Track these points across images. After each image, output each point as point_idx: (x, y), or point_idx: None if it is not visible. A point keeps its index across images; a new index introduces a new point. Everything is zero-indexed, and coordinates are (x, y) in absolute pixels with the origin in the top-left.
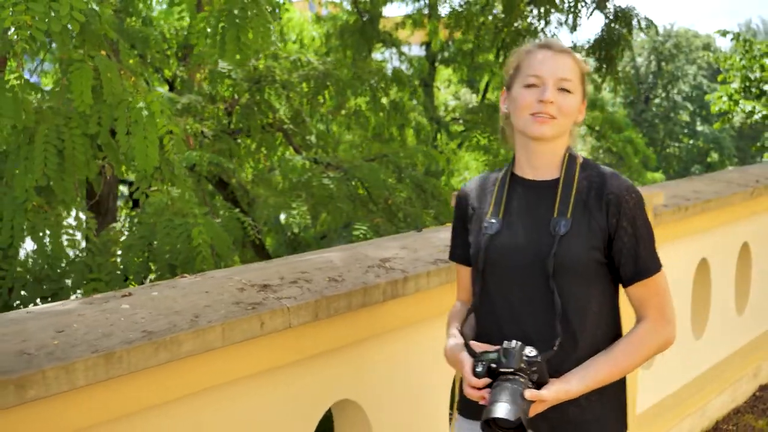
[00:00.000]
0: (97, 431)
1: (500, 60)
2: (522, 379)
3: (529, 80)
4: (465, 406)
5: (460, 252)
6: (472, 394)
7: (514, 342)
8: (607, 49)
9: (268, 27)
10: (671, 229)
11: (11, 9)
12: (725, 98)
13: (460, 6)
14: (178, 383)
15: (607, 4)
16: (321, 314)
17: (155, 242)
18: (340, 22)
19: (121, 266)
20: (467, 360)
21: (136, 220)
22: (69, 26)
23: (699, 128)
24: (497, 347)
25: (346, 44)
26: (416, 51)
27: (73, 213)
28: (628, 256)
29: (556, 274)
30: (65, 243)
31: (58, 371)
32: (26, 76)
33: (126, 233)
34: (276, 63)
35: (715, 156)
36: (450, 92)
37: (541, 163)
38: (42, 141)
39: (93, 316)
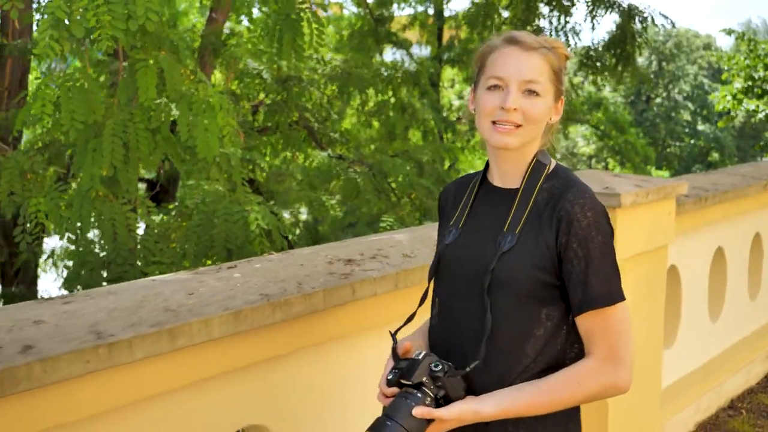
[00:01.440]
0: (225, 379)
1: None
2: (420, 395)
3: (491, 82)
4: None
5: None
6: (381, 399)
7: (423, 353)
8: (623, 46)
9: (321, 29)
10: (692, 219)
11: (94, 11)
12: (729, 97)
13: (474, 4)
14: (288, 340)
15: (620, 2)
16: (400, 285)
17: (202, 228)
18: (345, 22)
19: (180, 251)
20: (389, 364)
21: (173, 213)
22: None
23: (700, 128)
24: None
25: (356, 46)
26: (420, 50)
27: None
28: (576, 282)
29: (493, 291)
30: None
31: (200, 324)
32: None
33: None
34: (301, 63)
35: (715, 155)
36: (455, 92)
37: (507, 170)
38: (110, 134)
39: (213, 283)
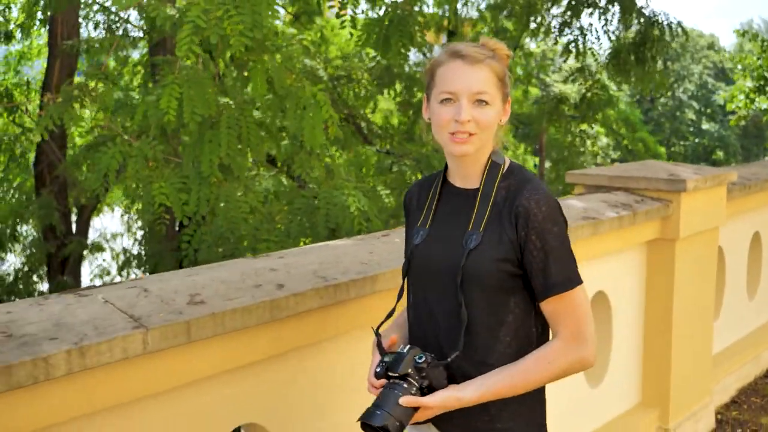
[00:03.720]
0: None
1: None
2: (406, 385)
3: (443, 96)
4: None
5: None
6: (371, 391)
7: (407, 347)
8: (643, 50)
9: (422, 30)
10: (737, 204)
11: (228, 20)
12: (741, 96)
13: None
14: None
15: (643, 11)
16: None
17: (303, 210)
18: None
19: (284, 230)
20: (375, 358)
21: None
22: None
23: (704, 126)
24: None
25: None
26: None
27: None
28: (538, 271)
29: (465, 286)
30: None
31: (390, 274)
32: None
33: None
34: (348, 60)
35: (720, 154)
36: None
37: (466, 172)
38: (225, 127)
39: (381, 246)
